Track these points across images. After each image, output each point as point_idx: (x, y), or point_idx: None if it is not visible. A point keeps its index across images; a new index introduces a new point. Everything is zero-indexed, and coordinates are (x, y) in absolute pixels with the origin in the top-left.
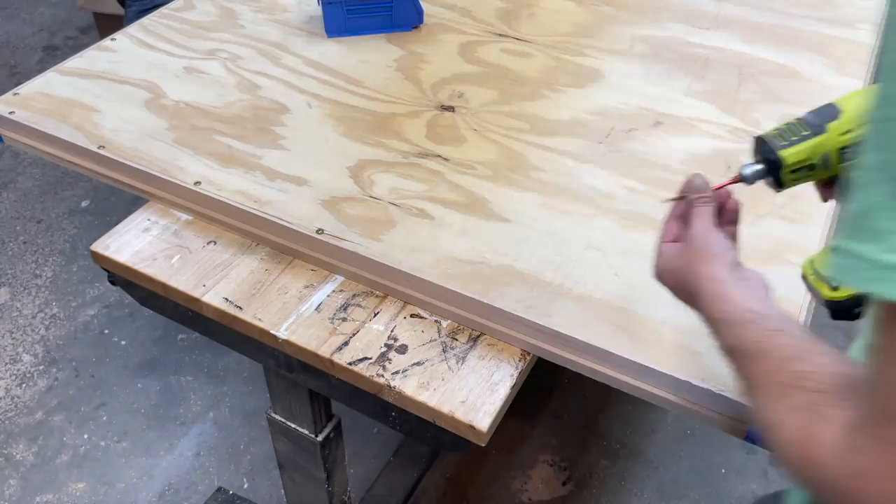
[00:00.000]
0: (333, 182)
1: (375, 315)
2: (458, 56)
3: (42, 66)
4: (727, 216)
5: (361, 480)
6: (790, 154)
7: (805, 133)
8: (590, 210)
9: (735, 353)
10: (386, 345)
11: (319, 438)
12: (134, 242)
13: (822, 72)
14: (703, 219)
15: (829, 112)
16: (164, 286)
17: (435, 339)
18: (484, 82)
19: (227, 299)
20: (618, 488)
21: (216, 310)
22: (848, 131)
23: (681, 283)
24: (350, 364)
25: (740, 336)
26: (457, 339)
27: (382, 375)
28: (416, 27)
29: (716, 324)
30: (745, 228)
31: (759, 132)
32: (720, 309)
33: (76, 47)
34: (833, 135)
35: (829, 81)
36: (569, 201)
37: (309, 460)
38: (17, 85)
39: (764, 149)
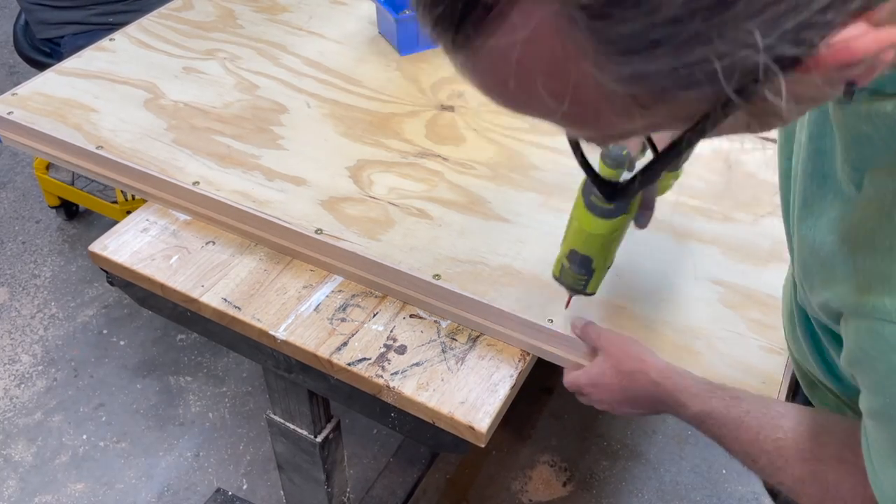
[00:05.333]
0: (332, 182)
1: (374, 315)
2: None
3: None
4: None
5: (361, 481)
6: (592, 286)
7: (585, 279)
8: None
9: (709, 419)
10: (385, 345)
11: (318, 439)
12: (132, 243)
13: None
14: (597, 331)
15: (587, 262)
16: (162, 286)
17: (434, 340)
18: None
19: (225, 300)
20: (618, 489)
21: (215, 310)
22: (607, 259)
23: (630, 397)
24: (349, 364)
25: (711, 405)
26: (456, 340)
27: (381, 376)
28: None
29: (682, 400)
30: (745, 228)
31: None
32: (682, 387)
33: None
34: (599, 269)
35: None
36: (569, 201)
37: (308, 461)
38: (15, 85)
39: (566, 286)
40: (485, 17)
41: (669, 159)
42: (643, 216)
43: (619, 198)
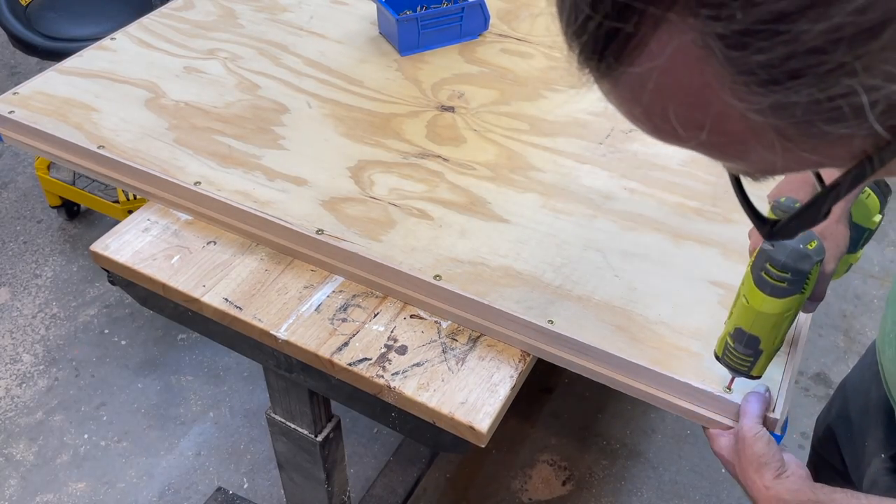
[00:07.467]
0: (333, 182)
1: (375, 316)
2: (457, 56)
3: (42, 66)
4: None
5: (361, 480)
6: (758, 369)
7: (750, 360)
8: (590, 211)
9: None
10: (386, 345)
11: (319, 438)
12: (134, 242)
13: None
14: (751, 417)
15: (753, 342)
16: (164, 286)
17: (435, 340)
18: (484, 82)
19: (226, 299)
20: (617, 488)
21: (216, 310)
22: (776, 341)
23: (736, 472)
24: (350, 365)
25: None
26: (457, 340)
27: (382, 376)
28: (481, 35)
29: None
30: (744, 229)
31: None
32: None
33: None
34: (767, 351)
35: None
36: (569, 202)
37: (309, 460)
38: (16, 84)
39: (729, 367)
40: (625, 46)
41: (829, 200)
42: (811, 304)
43: (776, 238)
